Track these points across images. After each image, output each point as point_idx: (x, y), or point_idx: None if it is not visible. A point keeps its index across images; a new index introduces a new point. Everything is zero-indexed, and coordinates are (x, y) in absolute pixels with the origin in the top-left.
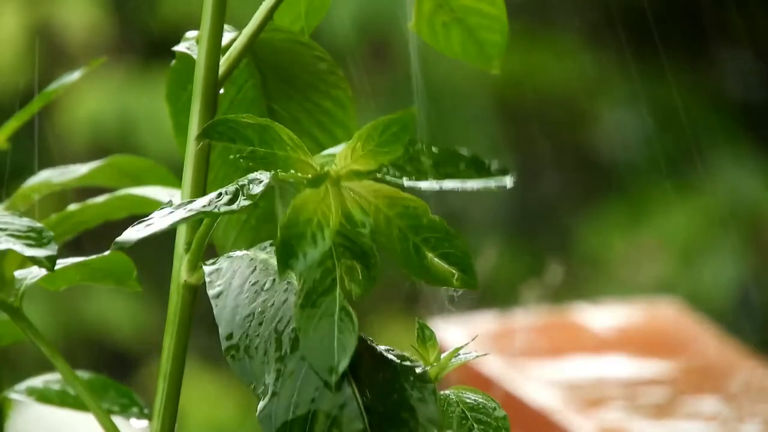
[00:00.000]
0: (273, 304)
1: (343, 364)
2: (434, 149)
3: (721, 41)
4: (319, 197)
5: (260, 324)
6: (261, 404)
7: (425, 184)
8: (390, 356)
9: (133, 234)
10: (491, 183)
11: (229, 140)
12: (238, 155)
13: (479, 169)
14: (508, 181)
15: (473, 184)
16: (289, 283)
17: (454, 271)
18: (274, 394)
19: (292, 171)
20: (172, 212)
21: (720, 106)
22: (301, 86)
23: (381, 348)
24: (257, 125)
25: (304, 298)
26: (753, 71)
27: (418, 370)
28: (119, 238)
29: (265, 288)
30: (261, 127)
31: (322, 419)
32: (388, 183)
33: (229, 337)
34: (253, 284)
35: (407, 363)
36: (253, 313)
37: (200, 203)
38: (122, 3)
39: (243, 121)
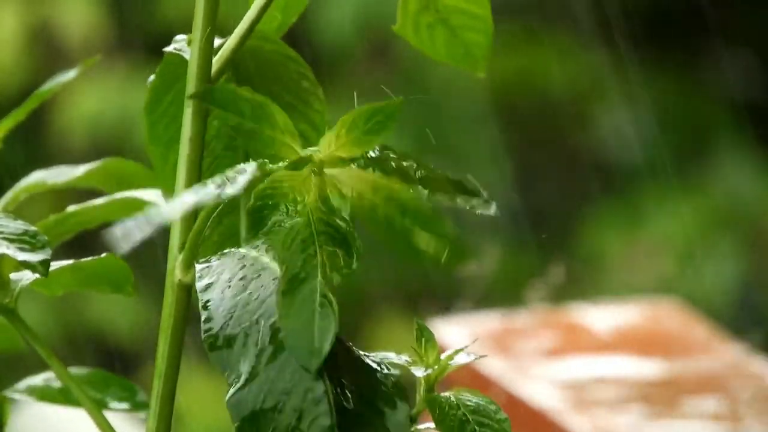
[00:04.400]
0: (257, 297)
1: (325, 349)
2: (423, 167)
3: (721, 41)
4: (300, 179)
5: (242, 315)
6: (231, 390)
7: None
8: (367, 361)
9: (126, 237)
10: (476, 207)
11: (221, 107)
12: (225, 124)
13: (464, 193)
14: (492, 209)
15: (457, 202)
16: (275, 279)
17: (444, 248)
18: (246, 382)
19: (274, 153)
20: (164, 210)
21: (720, 106)
22: (279, 106)
23: (360, 353)
24: (254, 100)
25: (286, 285)
26: (753, 71)
27: (393, 378)
28: (114, 241)
29: (252, 282)
30: (257, 103)
31: (290, 412)
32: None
33: (210, 327)
34: (241, 279)
35: (384, 369)
36: (237, 305)
37: (190, 197)
38: (122, 3)
39: (240, 93)
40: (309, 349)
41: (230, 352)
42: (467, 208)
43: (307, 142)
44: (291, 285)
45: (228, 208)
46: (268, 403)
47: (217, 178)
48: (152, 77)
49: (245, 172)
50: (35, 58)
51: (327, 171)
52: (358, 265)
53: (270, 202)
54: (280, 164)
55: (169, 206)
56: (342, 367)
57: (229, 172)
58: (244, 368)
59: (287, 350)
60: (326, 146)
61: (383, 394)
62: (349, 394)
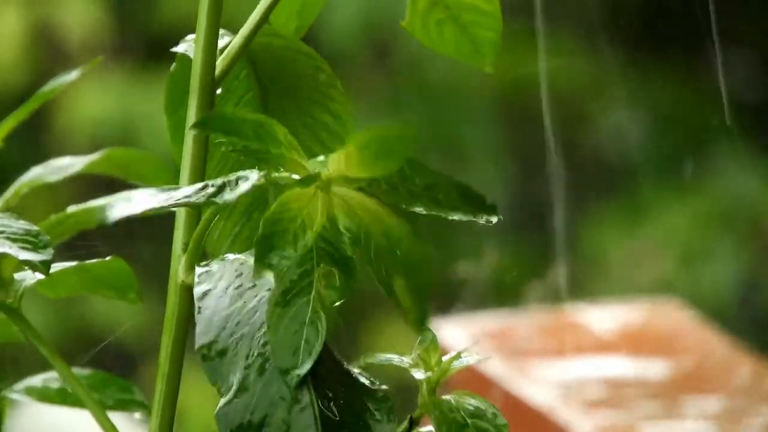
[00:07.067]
0: (251, 307)
1: (306, 366)
2: (429, 172)
3: (721, 41)
4: (307, 198)
5: (236, 325)
6: (221, 402)
7: (413, 208)
8: (355, 374)
9: (116, 213)
10: (479, 218)
11: (224, 133)
12: (230, 149)
13: (470, 201)
14: (495, 218)
15: (460, 215)
16: (269, 289)
17: (409, 306)
18: (235, 394)
19: (283, 170)
20: (152, 196)
21: (720, 106)
22: (300, 100)
23: (350, 367)
24: (254, 121)
25: (278, 297)
26: (753, 71)
27: (381, 392)
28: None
29: (247, 291)
30: (257, 123)
31: (277, 424)
32: (379, 199)
33: (204, 336)
34: (237, 287)
35: (371, 383)
36: (230, 315)
37: (182, 192)
38: (122, 3)
39: (239, 116)
40: (292, 365)
41: (221, 362)
42: (473, 219)
43: (330, 135)
44: (283, 298)
45: (257, 203)
46: (256, 416)
47: (219, 181)
48: (172, 67)
49: (247, 179)
50: (36, 58)
51: (334, 190)
52: (357, 283)
53: (279, 229)
54: (285, 173)
55: (156, 198)
56: (329, 379)
57: (232, 177)
58: (234, 380)
59: (272, 369)
60: (335, 165)
61: (370, 408)
62: (334, 408)
